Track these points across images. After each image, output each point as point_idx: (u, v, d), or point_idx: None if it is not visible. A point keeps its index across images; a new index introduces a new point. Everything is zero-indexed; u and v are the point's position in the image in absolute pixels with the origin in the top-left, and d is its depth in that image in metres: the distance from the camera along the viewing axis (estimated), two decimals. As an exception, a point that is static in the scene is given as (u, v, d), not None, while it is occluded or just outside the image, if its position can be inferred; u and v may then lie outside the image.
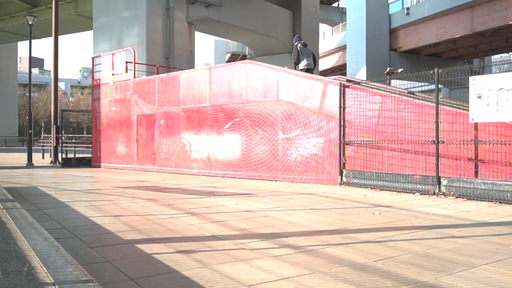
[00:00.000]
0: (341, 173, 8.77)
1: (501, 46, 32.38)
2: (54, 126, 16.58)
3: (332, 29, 41.50)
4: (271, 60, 23.74)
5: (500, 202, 6.38)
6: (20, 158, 20.48)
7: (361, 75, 30.70)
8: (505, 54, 38.03)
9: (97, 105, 15.24)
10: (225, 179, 10.73)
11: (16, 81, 46.19)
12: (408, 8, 30.64)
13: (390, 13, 32.30)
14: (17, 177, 11.21)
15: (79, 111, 53.37)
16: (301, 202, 6.67)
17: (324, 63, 39.89)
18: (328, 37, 41.36)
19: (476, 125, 7.01)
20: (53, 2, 17.34)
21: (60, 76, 65.66)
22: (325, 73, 38.46)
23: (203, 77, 11.81)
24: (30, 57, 17.10)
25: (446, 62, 34.19)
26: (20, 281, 2.43)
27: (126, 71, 14.18)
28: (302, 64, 11.00)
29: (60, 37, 21.14)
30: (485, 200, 6.56)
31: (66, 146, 17.80)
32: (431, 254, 3.64)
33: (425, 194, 7.33)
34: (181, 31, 20.55)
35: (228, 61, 52.25)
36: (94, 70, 15.70)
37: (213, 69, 11.79)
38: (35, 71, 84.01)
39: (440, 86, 7.47)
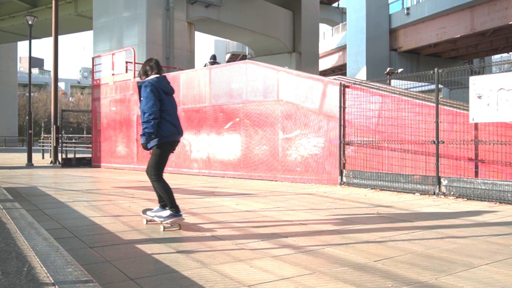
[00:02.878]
0: (341, 173, 8.77)
1: (501, 46, 32.39)
2: (54, 126, 16.58)
3: (332, 29, 41.53)
4: (271, 60, 23.75)
5: (500, 202, 6.38)
6: (20, 158, 20.48)
7: (361, 75, 30.70)
8: (505, 54, 38.04)
9: (97, 105, 15.23)
10: (225, 179, 10.73)
11: (16, 81, 46.17)
12: (408, 8, 30.64)
13: (390, 13, 32.31)
14: (17, 177, 11.20)
15: (79, 111, 53.38)
16: (301, 202, 6.66)
17: (324, 63, 39.90)
18: (328, 37, 41.38)
19: (476, 125, 7.01)
20: (53, 2, 17.33)
21: (60, 76, 65.68)
22: (325, 73, 38.47)
23: (203, 77, 11.81)
24: (30, 57, 17.09)
25: (446, 62, 34.20)
26: (20, 281, 2.42)
27: (126, 71, 14.17)
28: None
29: (60, 37, 21.15)
30: (485, 200, 6.56)
31: (66, 146, 17.80)
32: (431, 254, 3.64)
33: (425, 194, 7.33)
34: (181, 31, 20.56)
35: (228, 61, 52.25)
36: (94, 70, 15.69)
37: (213, 69, 11.79)
38: (35, 71, 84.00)
39: (440, 86, 7.47)
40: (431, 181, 7.28)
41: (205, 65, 13.53)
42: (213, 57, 13.27)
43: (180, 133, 4.65)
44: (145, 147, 4.52)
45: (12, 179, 10.74)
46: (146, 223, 4.91)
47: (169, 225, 4.62)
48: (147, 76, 4.67)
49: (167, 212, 4.55)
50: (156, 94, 4.45)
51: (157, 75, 4.62)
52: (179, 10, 20.38)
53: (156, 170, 4.65)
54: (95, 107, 15.38)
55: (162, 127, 4.46)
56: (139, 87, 4.59)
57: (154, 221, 4.74)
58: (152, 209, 4.82)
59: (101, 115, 15.07)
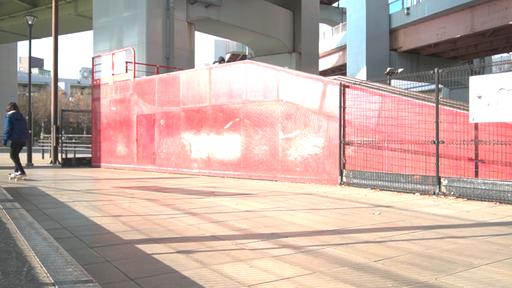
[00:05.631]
0: (341, 173, 8.77)
1: (501, 46, 32.38)
2: (54, 126, 16.57)
3: (332, 29, 41.51)
4: (271, 60, 23.74)
5: (500, 202, 6.38)
6: (20, 158, 20.42)
7: (361, 75, 30.70)
8: (505, 54, 38.06)
9: (97, 105, 15.23)
10: (225, 179, 10.73)
11: (16, 81, 46.20)
12: (408, 8, 30.63)
13: (390, 13, 32.30)
14: (17, 177, 11.19)
15: (79, 111, 53.41)
16: (301, 202, 6.66)
17: (324, 63, 39.88)
18: (328, 37, 41.37)
19: (476, 125, 7.01)
20: (53, 2, 17.32)
21: (60, 76, 65.66)
22: (325, 73, 38.46)
23: (203, 77, 11.81)
24: (30, 57, 17.10)
25: (446, 62, 34.19)
26: (20, 281, 2.42)
27: (126, 71, 14.17)
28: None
29: (60, 37, 21.16)
30: (485, 200, 6.56)
31: (66, 146, 17.81)
32: (431, 254, 3.64)
33: (425, 194, 7.33)
34: (181, 31, 20.54)
35: (228, 61, 52.17)
36: (94, 70, 15.70)
37: (213, 69, 11.79)
38: (35, 71, 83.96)
39: (440, 86, 7.46)
40: (431, 181, 7.28)
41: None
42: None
43: (23, 137, 10.20)
44: (4, 144, 10.44)
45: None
46: (10, 179, 10.16)
47: (18, 178, 10.13)
48: (9, 111, 10.02)
49: (18, 173, 10.17)
50: (11, 121, 9.91)
51: (13, 111, 10.06)
52: (179, 10, 20.37)
53: (13, 154, 10.23)
54: (95, 107, 15.38)
55: (13, 136, 10.00)
56: (5, 117, 9.97)
57: (14, 178, 10.17)
58: (13, 172, 10.29)
59: (101, 115, 15.07)
